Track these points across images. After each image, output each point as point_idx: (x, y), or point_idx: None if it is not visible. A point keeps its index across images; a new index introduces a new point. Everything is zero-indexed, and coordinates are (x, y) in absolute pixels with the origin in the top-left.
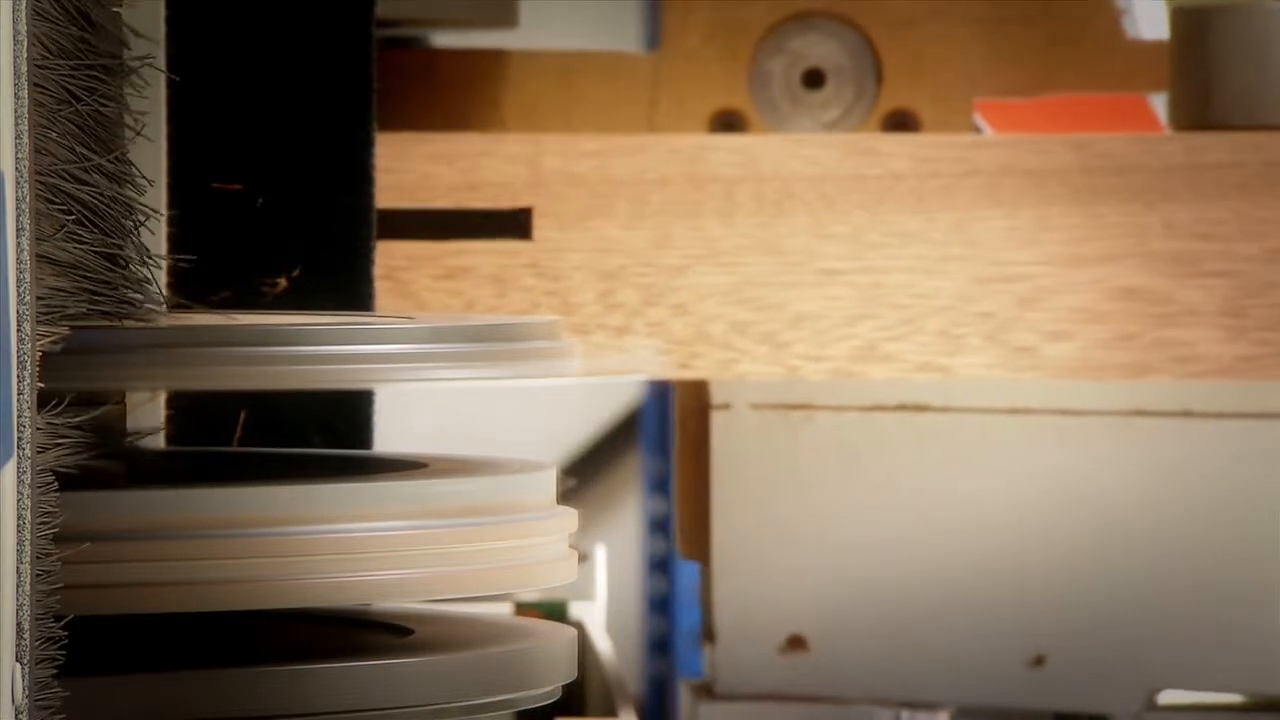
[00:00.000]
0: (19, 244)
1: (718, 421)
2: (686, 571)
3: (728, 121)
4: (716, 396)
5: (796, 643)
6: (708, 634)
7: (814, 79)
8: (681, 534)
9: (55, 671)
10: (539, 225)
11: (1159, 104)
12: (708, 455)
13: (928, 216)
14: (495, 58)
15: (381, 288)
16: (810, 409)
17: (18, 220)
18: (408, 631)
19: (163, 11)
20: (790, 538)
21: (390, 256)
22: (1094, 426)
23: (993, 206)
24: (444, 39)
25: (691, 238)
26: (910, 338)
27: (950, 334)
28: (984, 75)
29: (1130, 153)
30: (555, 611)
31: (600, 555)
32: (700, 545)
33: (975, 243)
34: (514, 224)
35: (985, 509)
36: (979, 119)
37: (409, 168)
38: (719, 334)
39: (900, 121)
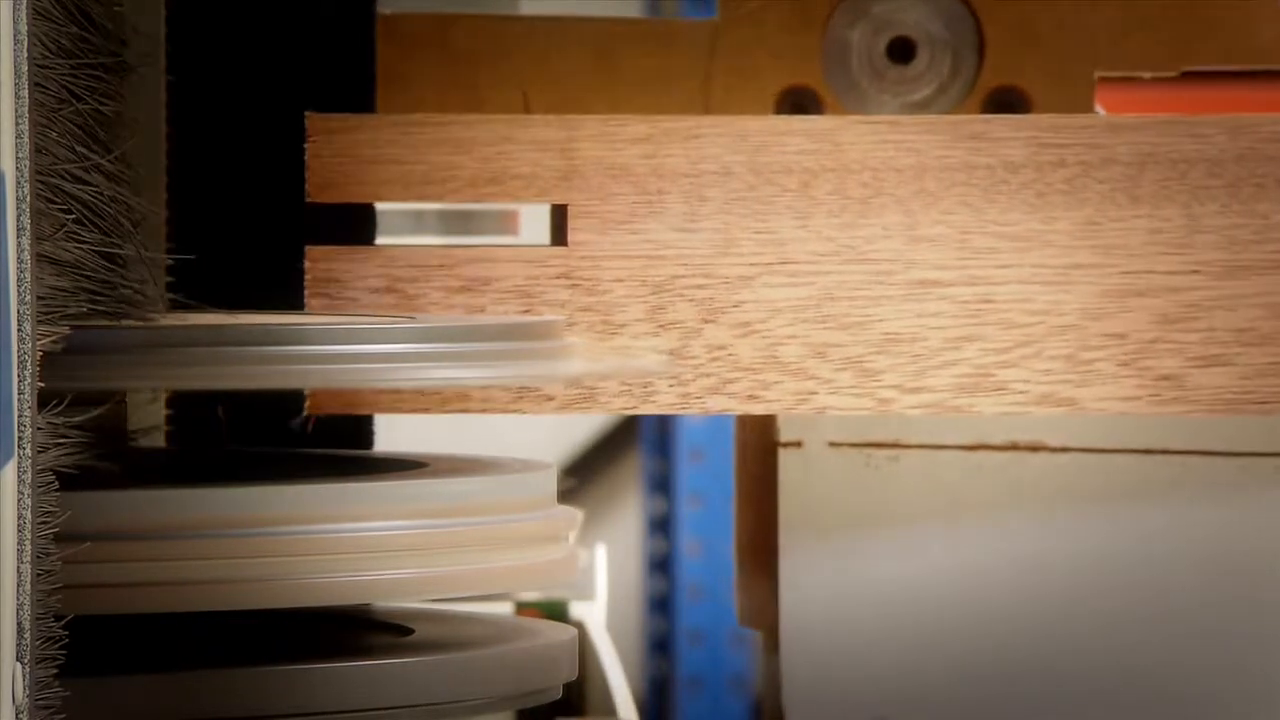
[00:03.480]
0: (19, 243)
1: (787, 461)
2: (686, 571)
3: (797, 101)
4: (785, 432)
5: None
6: (774, 718)
7: (901, 50)
8: (740, 595)
9: (55, 671)
10: (575, 227)
11: None
12: (773, 502)
13: (1049, 215)
14: (520, 25)
15: (384, 302)
16: (898, 448)
17: (18, 220)
18: (408, 631)
19: (163, 10)
20: (873, 601)
21: (393, 265)
22: (1253, 471)
23: (1130, 204)
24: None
25: (760, 241)
26: (1027, 364)
27: (1077, 359)
28: (1108, 45)
29: None
30: (555, 611)
31: (600, 555)
32: (763, 609)
33: (1108, 248)
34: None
35: (1114, 571)
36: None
37: (418, 157)
38: (793, 359)
39: (1006, 102)
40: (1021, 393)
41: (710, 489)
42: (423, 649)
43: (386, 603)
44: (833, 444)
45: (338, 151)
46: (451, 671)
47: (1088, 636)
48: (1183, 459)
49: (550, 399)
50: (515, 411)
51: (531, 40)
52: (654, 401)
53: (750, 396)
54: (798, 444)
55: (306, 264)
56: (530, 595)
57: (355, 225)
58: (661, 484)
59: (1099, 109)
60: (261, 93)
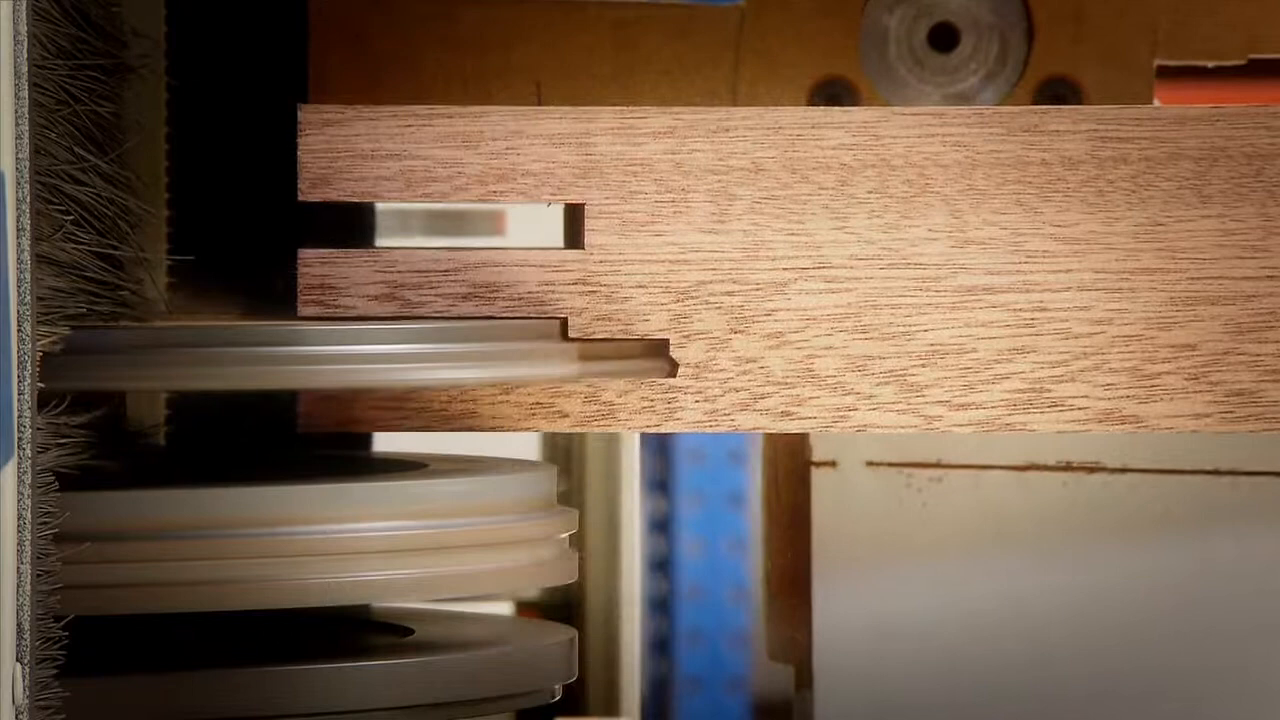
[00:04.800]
0: (19, 244)
1: (820, 483)
2: (686, 571)
3: (830, 92)
4: (819, 451)
5: None
6: None
7: (944, 37)
8: (769, 627)
9: (55, 671)
10: (592, 228)
11: None
12: (807, 528)
13: (1110, 216)
14: (532, 9)
15: (384, 309)
16: (942, 468)
17: (18, 220)
18: (408, 631)
19: (163, 10)
20: (915, 635)
21: (394, 269)
22: None
23: (1200, 203)
24: None
25: (794, 244)
26: (1086, 377)
27: (1142, 373)
28: (1170, 31)
29: None
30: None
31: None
32: (795, 643)
33: (1174, 251)
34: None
35: (1178, 603)
36: None
37: (420, 152)
38: (830, 372)
39: (1057, 93)
40: (1081, 409)
41: (710, 489)
42: (423, 649)
43: (386, 603)
44: (870, 464)
45: (333, 146)
46: (451, 671)
47: (1149, 674)
48: (1254, 481)
49: (565, 416)
50: (527, 429)
51: (544, 26)
52: (679, 419)
53: (783, 413)
54: (832, 464)
55: (299, 268)
56: (530, 595)
57: (352, 226)
58: (661, 484)
59: (1156, 103)
60: (261, 88)
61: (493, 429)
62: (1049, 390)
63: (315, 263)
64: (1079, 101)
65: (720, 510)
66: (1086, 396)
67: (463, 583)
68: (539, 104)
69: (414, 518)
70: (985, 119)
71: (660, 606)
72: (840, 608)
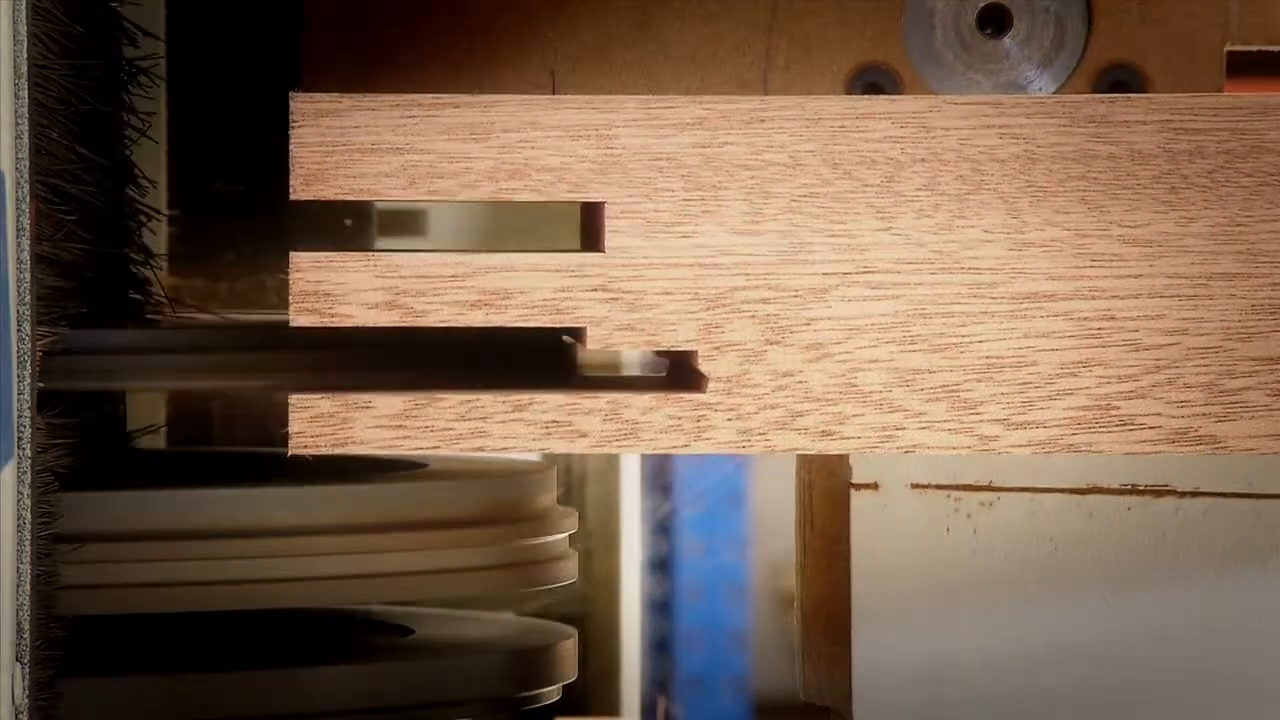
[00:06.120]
0: (19, 244)
1: (861, 506)
2: (686, 571)
3: (871, 81)
4: (859, 472)
5: None
6: None
7: (995, 20)
8: (805, 665)
9: (55, 671)
10: (613, 229)
11: None
12: (845, 555)
13: (1185, 216)
14: None
15: (386, 319)
16: (993, 490)
17: (18, 220)
18: (408, 631)
19: (163, 10)
20: (963, 676)
21: (397, 275)
22: None
23: None
24: None
25: (835, 246)
26: (1158, 394)
27: (1220, 388)
28: (1243, 14)
29: None
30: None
31: None
32: (833, 683)
33: (1256, 254)
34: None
35: (1257, 640)
36: None
37: (425, 145)
38: (876, 388)
39: (1120, 80)
40: (1152, 429)
41: (710, 489)
42: (422, 649)
43: (385, 604)
44: (915, 486)
45: (328, 139)
46: (451, 672)
47: (1223, 717)
48: None
49: (584, 435)
50: (542, 449)
51: (560, 7)
52: (708, 439)
53: (824, 433)
54: (873, 486)
55: (291, 274)
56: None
57: (351, 227)
58: (662, 484)
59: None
60: (262, 85)
61: (504, 449)
62: (1117, 408)
63: (309, 267)
64: (1143, 90)
65: (720, 510)
66: (1158, 414)
67: (462, 583)
68: (554, 93)
69: (414, 519)
70: (1047, 108)
71: (660, 606)
72: (882, 644)
